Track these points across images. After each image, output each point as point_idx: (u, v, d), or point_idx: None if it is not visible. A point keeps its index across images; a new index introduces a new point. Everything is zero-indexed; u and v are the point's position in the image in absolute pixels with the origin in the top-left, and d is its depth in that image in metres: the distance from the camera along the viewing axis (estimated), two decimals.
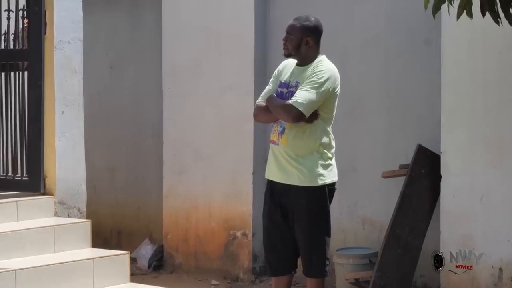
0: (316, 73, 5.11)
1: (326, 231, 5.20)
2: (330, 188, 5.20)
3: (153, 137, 8.40)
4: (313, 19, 5.26)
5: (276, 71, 5.35)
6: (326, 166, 5.15)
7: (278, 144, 5.17)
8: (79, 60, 6.65)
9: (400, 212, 6.37)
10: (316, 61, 5.19)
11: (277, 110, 5.13)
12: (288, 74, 5.24)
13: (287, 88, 5.20)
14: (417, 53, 6.78)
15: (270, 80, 5.35)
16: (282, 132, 5.15)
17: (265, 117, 5.30)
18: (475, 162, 6.12)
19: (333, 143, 5.21)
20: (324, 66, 5.16)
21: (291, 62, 5.30)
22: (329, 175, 5.17)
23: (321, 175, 5.13)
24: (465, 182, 6.16)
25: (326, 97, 5.10)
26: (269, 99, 5.21)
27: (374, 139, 7.01)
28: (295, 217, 5.17)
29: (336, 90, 5.17)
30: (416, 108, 6.80)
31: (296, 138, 5.11)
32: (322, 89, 5.07)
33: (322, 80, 5.09)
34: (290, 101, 5.05)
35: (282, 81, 5.25)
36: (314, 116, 5.09)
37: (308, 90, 5.05)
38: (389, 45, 6.93)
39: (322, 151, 5.14)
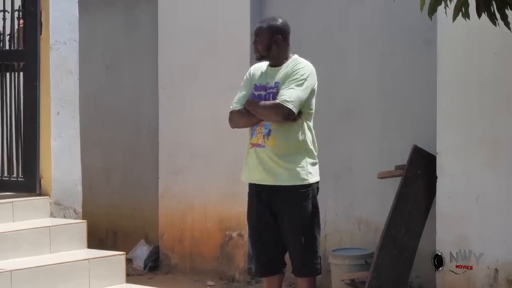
0: (297, 71, 5.14)
1: (317, 229, 5.24)
2: (316, 186, 5.25)
3: (149, 138, 8.39)
4: (279, 19, 5.29)
5: (247, 76, 5.32)
6: (313, 164, 5.21)
7: (264, 146, 5.15)
8: (75, 61, 6.64)
9: (395, 212, 6.37)
10: (291, 60, 5.23)
11: (264, 112, 5.11)
12: (263, 76, 5.24)
13: (265, 90, 5.19)
14: (413, 54, 6.78)
15: (242, 85, 5.31)
16: (268, 133, 5.14)
17: (245, 121, 5.23)
18: (471, 163, 6.12)
19: (315, 140, 5.23)
20: (303, 63, 5.20)
21: (262, 65, 5.31)
22: (316, 173, 5.24)
23: (310, 173, 5.18)
24: (461, 183, 6.16)
25: (309, 93, 5.13)
26: (251, 102, 5.18)
27: (369, 140, 7.00)
28: (286, 217, 5.18)
29: (315, 86, 5.22)
30: (412, 109, 6.80)
31: (283, 138, 5.12)
32: (306, 85, 5.11)
33: (305, 76, 5.13)
34: (277, 101, 5.06)
35: (258, 84, 5.24)
36: (298, 114, 5.11)
37: (294, 88, 5.07)
38: (385, 46, 6.93)
39: (309, 148, 5.18)
